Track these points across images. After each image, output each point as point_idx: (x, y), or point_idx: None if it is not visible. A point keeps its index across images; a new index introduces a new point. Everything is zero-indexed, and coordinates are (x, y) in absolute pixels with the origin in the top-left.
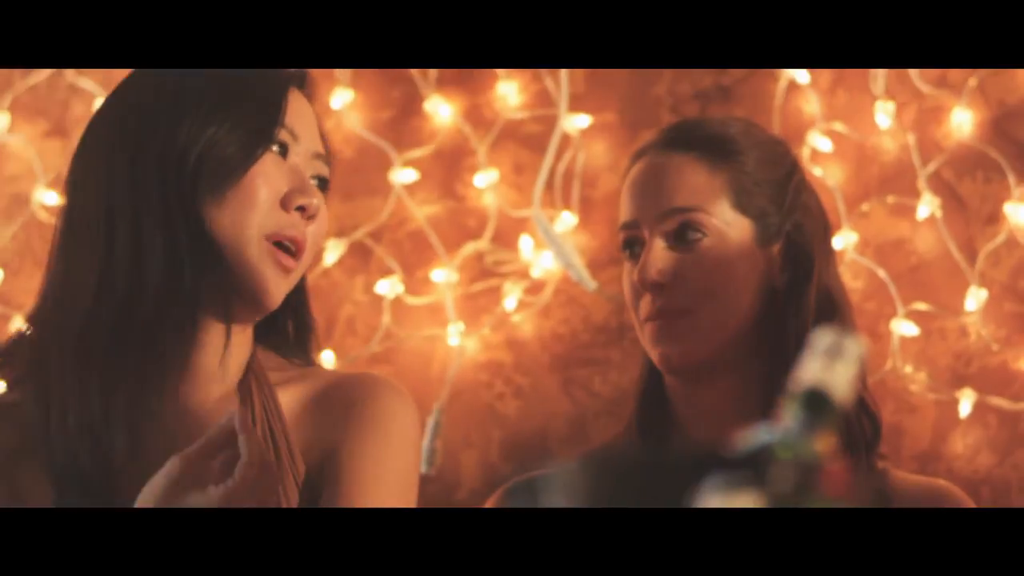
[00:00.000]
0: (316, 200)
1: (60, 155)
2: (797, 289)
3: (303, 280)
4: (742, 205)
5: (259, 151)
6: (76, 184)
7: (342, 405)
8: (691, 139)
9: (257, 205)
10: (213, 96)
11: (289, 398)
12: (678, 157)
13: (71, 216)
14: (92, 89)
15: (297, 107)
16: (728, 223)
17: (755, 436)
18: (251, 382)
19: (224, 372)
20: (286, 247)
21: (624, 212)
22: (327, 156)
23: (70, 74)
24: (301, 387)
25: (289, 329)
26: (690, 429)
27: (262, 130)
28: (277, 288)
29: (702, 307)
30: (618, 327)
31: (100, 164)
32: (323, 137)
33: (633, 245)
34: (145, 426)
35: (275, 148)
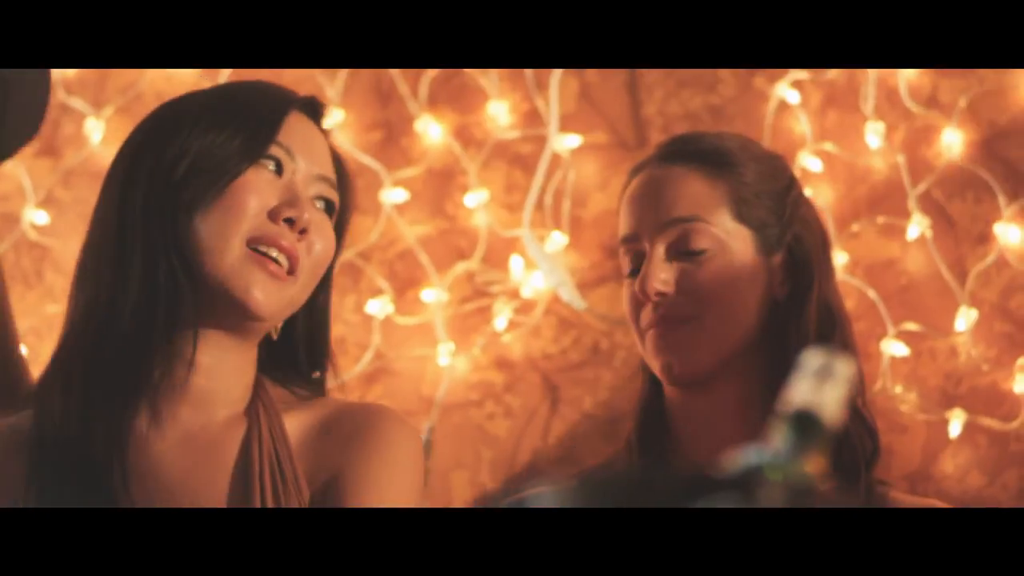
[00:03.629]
0: (307, 215)
1: (50, 174)
2: (798, 301)
3: (320, 308)
4: (742, 215)
5: (246, 164)
6: (95, 209)
7: (346, 433)
8: (689, 152)
9: (241, 215)
10: (212, 112)
11: (295, 424)
12: (677, 169)
13: (86, 238)
14: (82, 108)
15: (299, 129)
16: (729, 233)
17: (745, 457)
18: (258, 406)
19: (228, 395)
20: (272, 256)
21: (624, 226)
22: (337, 182)
23: (61, 93)
24: (307, 413)
25: (301, 357)
26: (689, 446)
27: (252, 144)
28: (265, 294)
29: (704, 315)
30: (609, 347)
31: (106, 188)
32: (337, 163)
33: (633, 257)
34: (143, 449)
35: (270, 166)
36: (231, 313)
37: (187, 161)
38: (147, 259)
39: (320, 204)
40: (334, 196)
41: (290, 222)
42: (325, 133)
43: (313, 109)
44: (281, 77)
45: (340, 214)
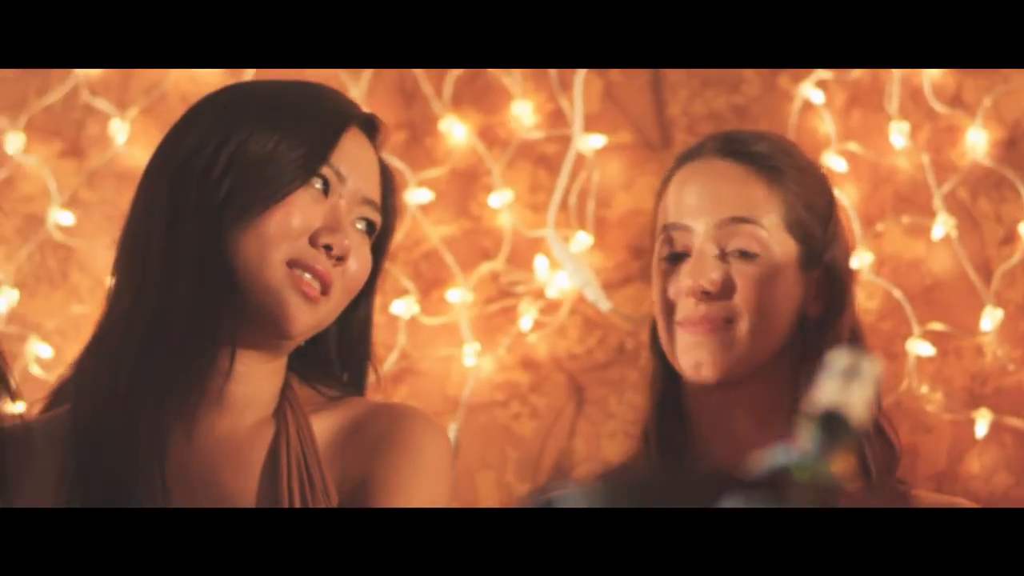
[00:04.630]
0: (347, 241)
1: (75, 175)
2: (831, 319)
3: (361, 320)
4: (791, 226)
5: (295, 184)
6: (130, 211)
7: (375, 435)
8: (746, 152)
9: (284, 235)
10: (268, 115)
11: (323, 426)
12: (736, 167)
13: (121, 242)
14: (107, 109)
15: (353, 148)
16: (778, 241)
17: (772, 457)
18: (286, 410)
19: (258, 400)
20: (306, 278)
21: (670, 213)
22: (381, 205)
23: (85, 94)
24: (335, 415)
25: (333, 360)
26: (708, 444)
27: (307, 163)
28: (300, 315)
29: (743, 319)
30: (634, 347)
31: (148, 185)
32: (384, 185)
33: (674, 247)
34: (173, 454)
35: (318, 184)
36: (265, 328)
37: (237, 167)
38: (191, 269)
39: (361, 225)
40: (377, 218)
41: (328, 248)
42: (377, 150)
43: (370, 126)
44: (303, 77)
45: (382, 233)
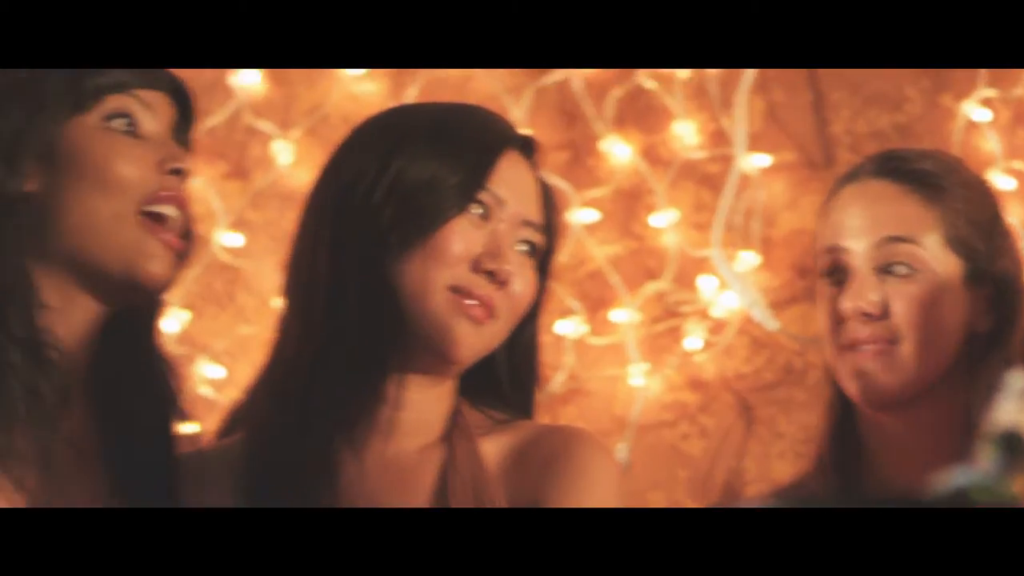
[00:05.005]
0: (508, 266)
1: (240, 197)
2: (1003, 334)
3: (526, 343)
4: (953, 243)
5: (454, 211)
6: (296, 236)
7: (543, 458)
8: (906, 171)
9: (446, 262)
10: (425, 146)
11: (492, 450)
12: (894, 187)
13: (288, 267)
14: (270, 131)
15: (511, 171)
16: (938, 259)
17: (951, 479)
18: (455, 434)
19: (425, 425)
20: (471, 303)
21: (830, 236)
22: (543, 225)
23: (248, 116)
24: (504, 439)
25: (503, 385)
26: (884, 467)
27: (463, 190)
28: (466, 339)
29: (907, 340)
30: (802, 367)
31: (309, 215)
32: (545, 205)
33: (835, 269)
34: (343, 481)
35: (477, 210)
36: (432, 355)
37: (397, 195)
38: (356, 296)
39: (524, 247)
40: (539, 240)
41: (491, 274)
42: (535, 170)
43: (527, 147)
44: (465, 95)
45: (546, 253)
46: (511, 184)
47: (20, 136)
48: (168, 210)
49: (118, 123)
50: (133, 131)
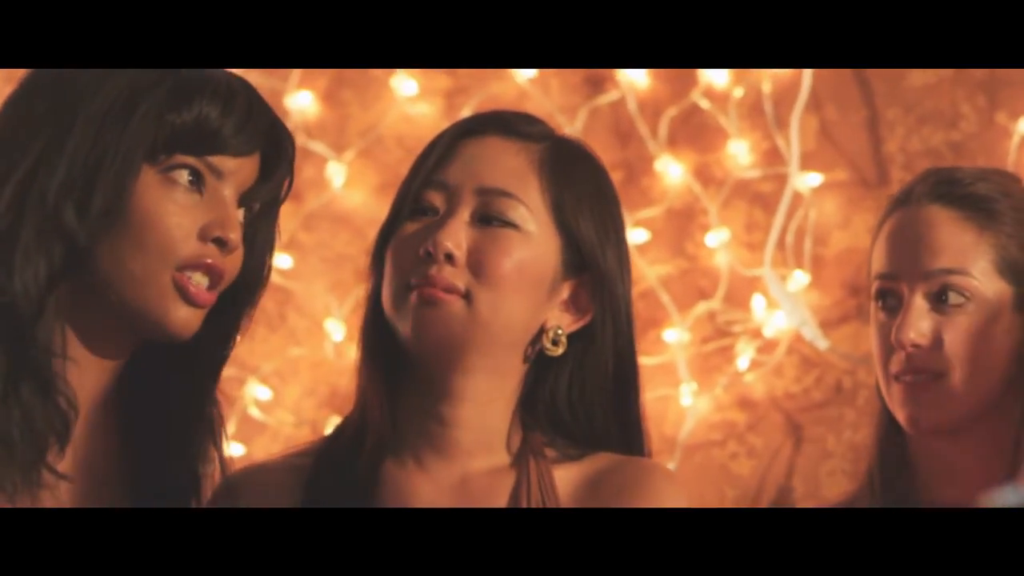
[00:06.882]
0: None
1: (292, 218)
2: None
3: (586, 375)
4: (1004, 269)
5: None
6: None
7: (614, 489)
8: (957, 196)
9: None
10: None
11: (565, 478)
12: (944, 213)
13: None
14: (324, 152)
15: None
16: (990, 288)
17: (1000, 498)
18: (528, 458)
19: (483, 444)
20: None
21: (882, 263)
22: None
23: (301, 137)
24: (576, 469)
25: (567, 423)
26: (933, 487)
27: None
28: None
29: (957, 372)
30: (852, 386)
31: None
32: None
33: (887, 297)
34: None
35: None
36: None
37: None
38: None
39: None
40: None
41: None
42: None
43: None
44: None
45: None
46: None
47: (93, 184)
48: (197, 276)
49: (180, 175)
50: (196, 186)
